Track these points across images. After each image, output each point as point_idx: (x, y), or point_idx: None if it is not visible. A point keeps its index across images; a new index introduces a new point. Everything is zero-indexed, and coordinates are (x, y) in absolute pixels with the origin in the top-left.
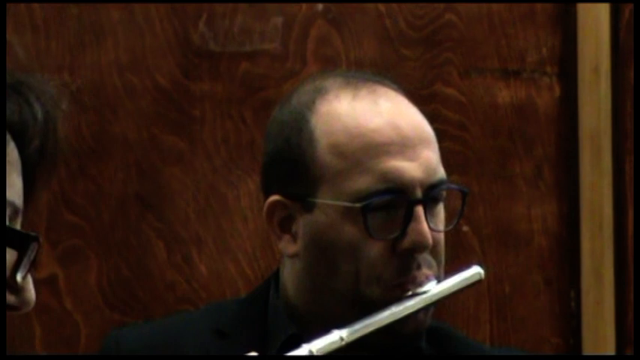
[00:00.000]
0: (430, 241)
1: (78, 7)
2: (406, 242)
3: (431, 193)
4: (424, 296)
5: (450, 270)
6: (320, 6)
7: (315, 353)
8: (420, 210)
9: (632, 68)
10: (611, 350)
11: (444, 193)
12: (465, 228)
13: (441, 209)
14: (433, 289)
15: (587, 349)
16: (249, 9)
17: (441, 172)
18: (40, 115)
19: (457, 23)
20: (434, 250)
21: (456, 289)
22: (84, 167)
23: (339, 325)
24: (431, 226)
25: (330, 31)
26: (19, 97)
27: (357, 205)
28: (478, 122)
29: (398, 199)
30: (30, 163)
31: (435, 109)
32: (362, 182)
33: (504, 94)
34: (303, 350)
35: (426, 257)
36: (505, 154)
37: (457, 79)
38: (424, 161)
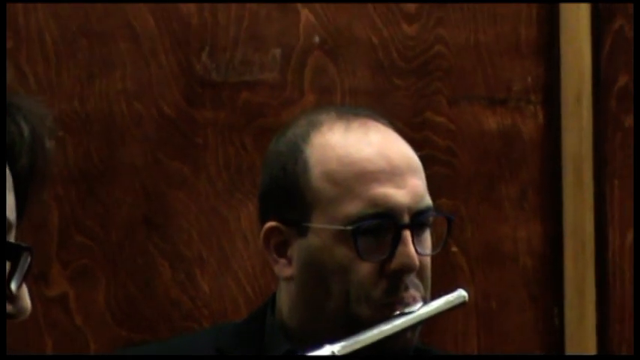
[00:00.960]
0: (417, 263)
1: (88, 40)
2: (394, 264)
3: (418, 219)
4: (411, 316)
5: (440, 288)
6: (317, 38)
7: None
8: (407, 234)
9: (612, 97)
10: (591, 346)
11: (431, 219)
12: (454, 248)
13: (427, 234)
14: (420, 309)
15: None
16: (250, 41)
17: (427, 200)
18: (26, 132)
19: (446, 54)
20: (420, 273)
21: (441, 310)
22: (93, 190)
23: (331, 341)
24: (418, 250)
25: (326, 62)
26: (7, 116)
27: (349, 228)
28: (466, 148)
29: (386, 224)
30: (21, 179)
31: (425, 136)
32: (353, 207)
33: (491, 122)
34: None
35: (413, 279)
36: (492, 178)
37: (446, 108)
38: (411, 189)
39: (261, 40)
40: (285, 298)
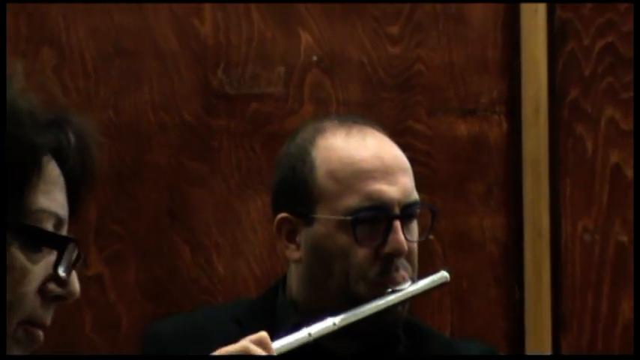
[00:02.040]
0: (406, 248)
1: (120, 58)
2: (387, 249)
3: (407, 211)
4: (401, 293)
5: (421, 269)
6: (315, 57)
7: (312, 335)
8: (397, 224)
9: (565, 108)
10: (547, 333)
11: (418, 212)
12: (431, 236)
13: (415, 224)
14: (409, 287)
15: (529, 333)
16: (258, 60)
17: (415, 195)
18: (73, 140)
19: (425, 72)
20: (409, 256)
21: (427, 288)
22: (125, 188)
23: (333, 314)
24: (407, 237)
25: (322, 78)
26: (58, 128)
27: (348, 218)
28: (441, 151)
29: (380, 215)
30: (72, 181)
31: (407, 141)
32: (352, 201)
33: (462, 129)
34: (303, 332)
35: (403, 262)
36: (463, 177)
37: (425, 117)
38: (402, 185)
39: (268, 59)
40: (294, 278)
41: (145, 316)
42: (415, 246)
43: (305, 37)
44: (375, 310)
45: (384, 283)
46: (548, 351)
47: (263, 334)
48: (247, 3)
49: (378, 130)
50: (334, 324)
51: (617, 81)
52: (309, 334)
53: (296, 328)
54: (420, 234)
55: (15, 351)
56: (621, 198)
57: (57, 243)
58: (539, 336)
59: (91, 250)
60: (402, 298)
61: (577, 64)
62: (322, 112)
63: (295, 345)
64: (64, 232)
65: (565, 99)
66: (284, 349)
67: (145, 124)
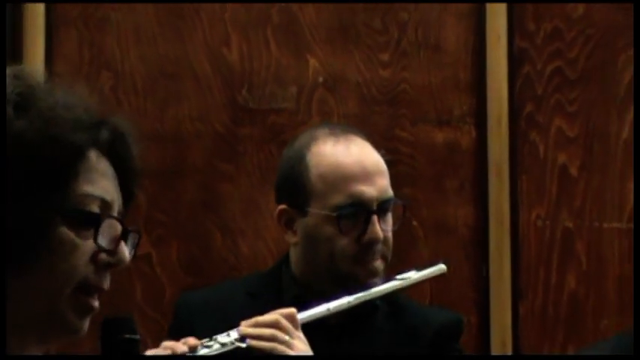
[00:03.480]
0: (381, 237)
1: (164, 79)
2: (366, 238)
3: (382, 206)
4: (406, 280)
5: (407, 250)
6: (320, 79)
7: (331, 310)
8: (374, 217)
9: (522, 120)
10: (508, 301)
11: (392, 206)
12: (415, 223)
13: (389, 216)
14: (413, 275)
15: (493, 301)
16: (275, 81)
17: (389, 192)
18: (115, 138)
19: (409, 90)
20: (385, 242)
21: (427, 277)
22: (168, 183)
23: (349, 294)
24: (382, 227)
25: (327, 95)
26: (102, 128)
27: (334, 214)
28: (422, 154)
29: (360, 211)
30: (122, 172)
31: (394, 146)
32: (337, 199)
33: (439, 136)
34: (323, 307)
35: (379, 246)
36: (440, 175)
37: (409, 127)
38: (378, 186)
39: (283, 80)
40: (293, 257)
41: (183, 287)
42: (390, 234)
43: (312, 63)
44: (384, 292)
45: (363, 264)
46: (508, 315)
47: (292, 310)
48: (266, 35)
49: (361, 137)
50: (349, 302)
51: (563, 98)
52: (328, 309)
53: (296, 299)
54: (395, 224)
55: (71, 317)
56: (567, 192)
57: (92, 220)
58: (501, 304)
59: (140, 234)
60: (407, 285)
61: (531, 85)
62: (324, 122)
63: (316, 317)
64: (112, 213)
65: (522, 112)
66: (306, 321)
67: (184, 132)
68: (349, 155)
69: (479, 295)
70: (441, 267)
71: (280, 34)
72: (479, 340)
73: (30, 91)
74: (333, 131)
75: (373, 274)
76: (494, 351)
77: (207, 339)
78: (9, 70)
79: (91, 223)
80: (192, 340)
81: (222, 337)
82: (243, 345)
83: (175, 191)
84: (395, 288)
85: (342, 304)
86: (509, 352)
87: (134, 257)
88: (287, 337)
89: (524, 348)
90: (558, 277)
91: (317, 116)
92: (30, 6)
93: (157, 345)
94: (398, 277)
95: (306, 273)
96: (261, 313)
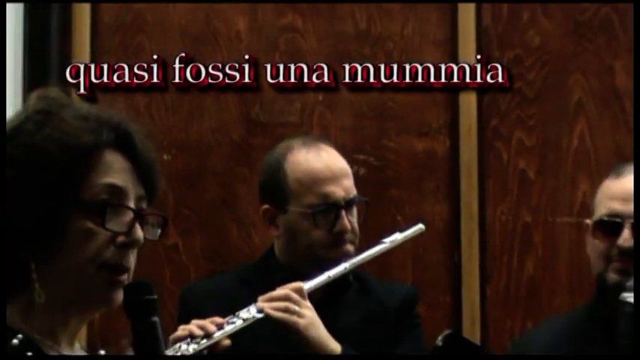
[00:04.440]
0: (349, 227)
1: (189, 97)
2: (336, 229)
3: (348, 203)
4: (393, 242)
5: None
6: (320, 97)
7: (331, 277)
8: (343, 212)
9: (489, 131)
10: (476, 283)
11: (356, 202)
12: (399, 217)
13: (354, 210)
14: (398, 236)
15: (464, 283)
16: (282, 99)
17: (354, 191)
18: (129, 138)
19: (394, 107)
20: (352, 232)
21: (410, 236)
22: (192, 184)
23: (345, 261)
24: (349, 219)
25: (325, 111)
26: (128, 137)
27: (309, 211)
28: (405, 160)
29: (331, 208)
30: (140, 166)
31: (382, 153)
32: (311, 199)
33: (419, 145)
34: (324, 276)
35: (348, 236)
36: (420, 177)
37: (394, 137)
38: (345, 187)
39: (290, 100)
40: (277, 248)
41: (205, 271)
42: (356, 224)
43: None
44: (377, 253)
45: (336, 250)
46: (477, 295)
47: (300, 284)
48: (275, 60)
49: (329, 145)
50: (345, 268)
51: (523, 113)
52: (329, 277)
53: (285, 280)
54: (359, 215)
55: (99, 291)
56: (526, 192)
57: (103, 208)
58: (471, 286)
59: (170, 227)
60: (395, 245)
61: (496, 102)
62: (325, 134)
63: (320, 284)
64: (126, 201)
65: (488, 125)
66: (311, 289)
67: (206, 142)
68: (319, 162)
69: (452, 279)
70: (420, 226)
71: (287, 59)
72: (452, 317)
73: (49, 109)
74: (305, 142)
75: (344, 255)
76: (465, 326)
77: (230, 316)
78: (36, 92)
79: (103, 210)
80: (218, 319)
81: (243, 313)
82: (261, 315)
83: (198, 191)
84: (386, 249)
85: (339, 271)
86: (478, 328)
87: (164, 246)
88: (297, 308)
89: (490, 323)
90: (519, 263)
91: (317, 128)
92: (77, 7)
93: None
94: (385, 240)
95: (289, 260)
96: (254, 296)
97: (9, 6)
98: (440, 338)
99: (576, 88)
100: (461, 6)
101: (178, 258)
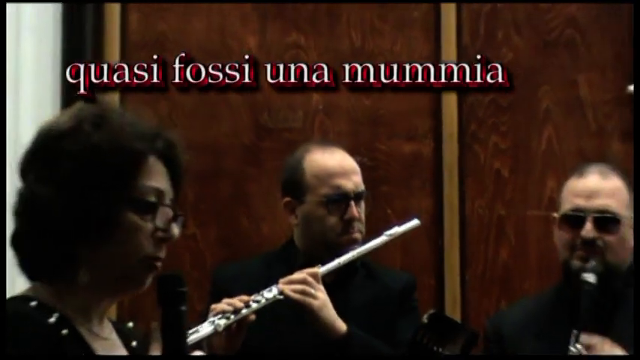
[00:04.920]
0: (357, 216)
1: (207, 106)
2: (346, 216)
3: (357, 196)
4: (393, 234)
5: (386, 228)
6: (320, 106)
7: (341, 262)
8: (352, 203)
9: (468, 136)
10: (457, 267)
11: (364, 197)
12: (389, 211)
13: (362, 202)
14: (398, 229)
15: (447, 269)
16: (288, 108)
17: (362, 186)
18: (169, 147)
19: (386, 115)
20: (359, 221)
21: (407, 230)
22: (209, 182)
23: (353, 248)
24: (358, 210)
25: (325, 119)
26: (159, 140)
27: (324, 199)
28: (396, 161)
29: (342, 198)
30: (173, 172)
31: (375, 155)
32: (325, 190)
33: (407, 148)
34: (335, 262)
35: (356, 224)
36: (409, 176)
37: (385, 141)
38: (354, 181)
39: (294, 108)
40: (296, 236)
41: (220, 258)
42: (363, 215)
43: (315, 96)
44: (377, 245)
45: (346, 236)
46: (457, 279)
47: (316, 270)
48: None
49: (339, 148)
50: (352, 255)
51: (498, 120)
52: (339, 263)
53: (303, 265)
54: (366, 208)
55: (137, 277)
56: (500, 189)
57: (151, 207)
58: (452, 270)
59: (189, 218)
60: (395, 236)
61: (475, 111)
62: (324, 138)
63: (332, 269)
64: (166, 202)
65: (468, 131)
66: (324, 273)
67: (221, 144)
68: (333, 160)
69: (435, 264)
70: (416, 221)
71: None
72: (435, 297)
73: (103, 113)
74: (321, 145)
75: (353, 242)
76: (448, 306)
77: (255, 295)
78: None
79: (150, 209)
80: (245, 297)
81: (266, 293)
82: (282, 297)
83: (214, 188)
84: (387, 240)
85: (348, 257)
86: (459, 307)
87: (184, 236)
88: (312, 291)
89: (469, 303)
90: (494, 251)
91: (318, 133)
92: (108, 7)
93: (200, 299)
94: (386, 233)
95: (306, 246)
96: (276, 279)
97: (48, 5)
98: (425, 316)
99: (544, 98)
100: (443, 26)
101: (196, 246)
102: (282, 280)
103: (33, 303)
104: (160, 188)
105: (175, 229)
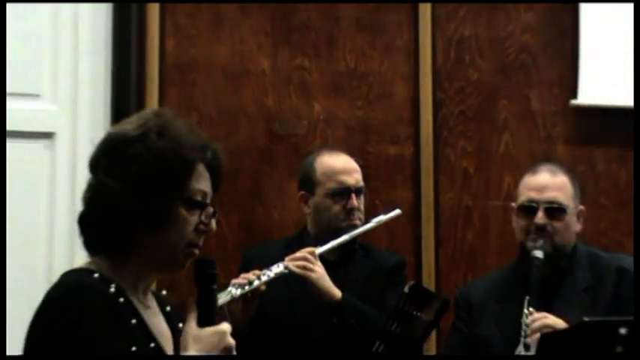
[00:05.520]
0: (356, 205)
1: (228, 118)
2: (348, 206)
3: (357, 190)
4: (378, 221)
5: (384, 211)
6: (321, 116)
7: (318, 252)
8: (353, 195)
9: (441, 141)
10: (432, 247)
11: (362, 191)
12: (377, 201)
13: (362, 195)
14: (382, 217)
15: (424, 248)
16: (295, 118)
17: (361, 182)
18: (212, 156)
19: (375, 123)
20: (359, 210)
21: (391, 218)
22: (231, 180)
23: (347, 232)
24: (358, 201)
25: (325, 127)
26: (206, 150)
27: (330, 192)
28: (382, 162)
29: (345, 191)
30: (214, 177)
31: (366, 157)
32: (332, 185)
33: (392, 150)
34: (334, 242)
35: (356, 213)
36: (393, 174)
37: (375, 145)
38: (355, 178)
39: (300, 117)
40: (308, 222)
41: (239, 240)
42: (362, 207)
43: (317, 107)
44: (364, 231)
45: (349, 221)
46: (433, 256)
47: (313, 249)
48: (289, 90)
49: (343, 151)
50: (345, 239)
51: (465, 128)
52: (332, 245)
53: (315, 246)
54: (365, 201)
55: (181, 260)
56: (467, 183)
57: (199, 206)
58: (428, 250)
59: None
60: (380, 223)
61: (447, 121)
62: (325, 144)
63: (328, 249)
64: (208, 201)
65: (440, 137)
66: (321, 253)
67: (241, 147)
68: (338, 161)
69: (415, 245)
70: (398, 211)
71: (298, 89)
72: (414, 272)
73: (165, 125)
74: (329, 150)
75: (354, 227)
76: (424, 279)
77: (265, 270)
78: (152, 109)
79: (197, 207)
80: (257, 272)
81: (274, 268)
82: (287, 271)
83: (235, 183)
84: (374, 226)
85: (339, 241)
86: (433, 280)
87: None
88: (311, 265)
89: (442, 277)
90: (462, 234)
91: (319, 139)
92: (149, 7)
93: (223, 274)
94: (373, 220)
95: (316, 231)
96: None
97: (100, 5)
98: (406, 287)
99: (503, 110)
100: (421, 52)
101: (221, 231)
102: (287, 258)
103: (96, 275)
104: (205, 190)
105: (213, 224)
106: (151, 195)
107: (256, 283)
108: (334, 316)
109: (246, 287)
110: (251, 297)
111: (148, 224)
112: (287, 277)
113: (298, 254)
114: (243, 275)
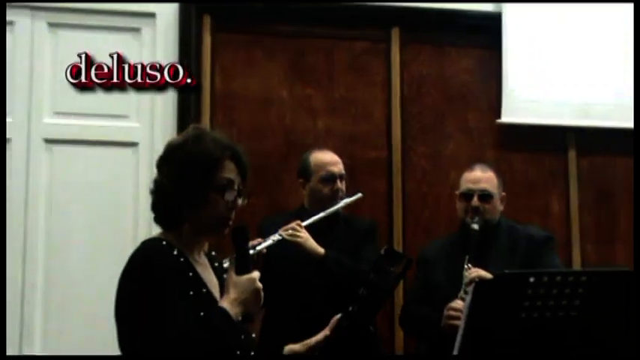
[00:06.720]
0: (340, 187)
1: (254, 133)
2: (334, 188)
3: (341, 177)
4: (347, 202)
5: (358, 202)
6: (323, 130)
7: (315, 219)
8: (338, 181)
9: (406, 145)
10: (400, 224)
11: (344, 178)
12: (362, 190)
13: (344, 181)
14: (347, 200)
15: (394, 224)
16: (305, 131)
17: (343, 170)
18: (238, 154)
19: (359, 134)
20: (342, 191)
21: (355, 199)
22: (261, 174)
23: (326, 209)
24: (340, 186)
25: (326, 138)
26: (233, 148)
27: (321, 178)
28: (364, 163)
29: (332, 178)
30: (241, 170)
31: (352, 161)
32: (322, 173)
33: (372, 155)
34: (320, 214)
35: (340, 193)
36: (372, 171)
37: (359, 151)
38: (339, 169)
39: (308, 131)
40: (305, 202)
41: (260, 214)
42: (344, 187)
43: (320, 124)
44: (334, 210)
45: (334, 199)
46: (400, 229)
47: (299, 221)
48: (301, 111)
49: (330, 150)
50: (321, 216)
51: (423, 138)
52: (313, 219)
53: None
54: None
55: (224, 228)
56: (426, 177)
57: (224, 189)
58: (397, 225)
59: (251, 192)
60: (349, 203)
61: (410, 133)
62: (324, 147)
63: (312, 221)
64: (233, 187)
65: (407, 143)
66: (308, 224)
67: (268, 152)
68: (327, 156)
69: (387, 222)
70: (359, 194)
71: (307, 112)
72: (388, 239)
73: (199, 134)
74: (319, 149)
75: (336, 204)
76: (395, 244)
77: (265, 238)
78: (193, 125)
79: (225, 190)
80: (259, 239)
81: (272, 236)
82: (281, 237)
83: (264, 176)
84: (343, 205)
85: (318, 217)
86: (401, 245)
87: (244, 203)
88: (298, 232)
89: (407, 242)
90: (422, 213)
91: (322, 146)
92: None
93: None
94: (341, 201)
95: (310, 208)
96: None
97: (168, 6)
98: (382, 250)
99: (449, 126)
100: (392, 84)
101: (253, 208)
102: (281, 229)
103: (164, 242)
104: (230, 178)
105: (239, 202)
106: (190, 186)
107: (258, 248)
108: (320, 267)
109: (251, 251)
110: (256, 258)
111: (192, 206)
112: (285, 243)
113: (289, 225)
114: (250, 243)
